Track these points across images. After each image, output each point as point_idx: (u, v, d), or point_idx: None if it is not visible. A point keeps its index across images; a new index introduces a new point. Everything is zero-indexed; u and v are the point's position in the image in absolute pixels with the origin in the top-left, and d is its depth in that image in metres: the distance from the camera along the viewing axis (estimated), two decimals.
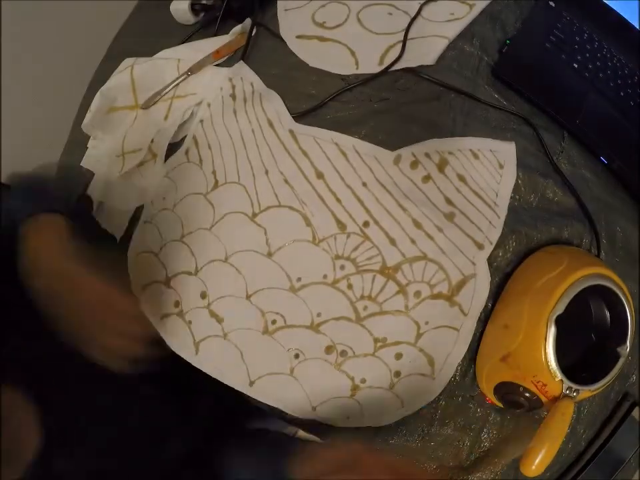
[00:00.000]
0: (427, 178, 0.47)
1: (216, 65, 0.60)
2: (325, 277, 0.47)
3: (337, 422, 0.46)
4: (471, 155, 0.47)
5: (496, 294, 0.46)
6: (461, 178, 0.47)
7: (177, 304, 0.50)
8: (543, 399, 0.39)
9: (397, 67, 0.51)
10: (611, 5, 0.61)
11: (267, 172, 0.51)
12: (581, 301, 0.39)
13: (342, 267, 0.47)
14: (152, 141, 0.57)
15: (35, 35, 0.83)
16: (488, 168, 0.47)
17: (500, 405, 0.43)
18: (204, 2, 0.64)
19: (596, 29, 0.60)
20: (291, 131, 0.52)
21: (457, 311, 0.45)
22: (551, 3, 0.59)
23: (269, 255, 0.48)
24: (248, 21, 0.61)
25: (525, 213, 0.47)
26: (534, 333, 0.39)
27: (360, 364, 0.46)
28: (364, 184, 0.48)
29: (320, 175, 0.49)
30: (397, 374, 0.45)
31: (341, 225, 0.47)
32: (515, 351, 0.40)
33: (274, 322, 0.48)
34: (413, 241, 0.46)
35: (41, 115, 0.88)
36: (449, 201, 0.46)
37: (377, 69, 0.51)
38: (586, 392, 0.38)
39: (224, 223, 0.51)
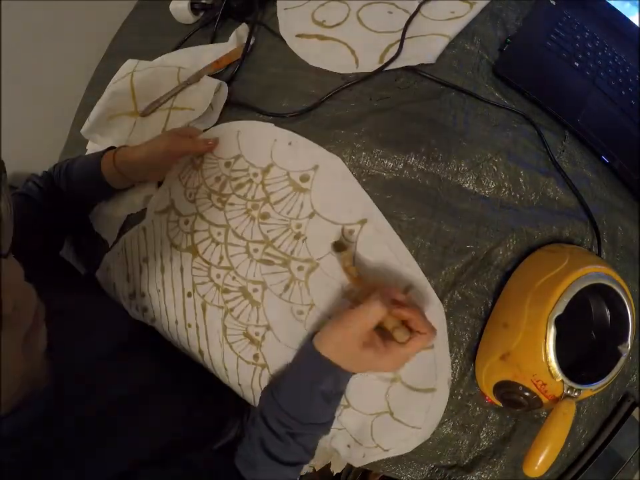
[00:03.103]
0: None
1: (213, 75, 0.60)
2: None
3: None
4: None
5: (496, 292, 0.46)
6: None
7: None
8: (543, 398, 0.39)
9: (398, 65, 0.51)
10: (612, 4, 0.61)
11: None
12: (581, 300, 0.39)
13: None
14: None
15: (34, 34, 0.83)
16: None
17: (499, 404, 0.42)
18: (203, 1, 0.64)
19: (597, 27, 0.60)
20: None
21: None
22: (552, 2, 0.59)
23: None
24: (246, 28, 0.61)
25: (526, 212, 0.47)
26: (534, 333, 0.38)
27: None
28: None
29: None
30: None
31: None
32: (514, 350, 0.40)
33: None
34: None
35: (41, 114, 0.88)
36: None
37: (377, 68, 0.51)
38: (587, 391, 0.38)
39: None
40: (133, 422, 0.40)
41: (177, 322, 0.52)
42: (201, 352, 0.51)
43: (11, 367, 0.27)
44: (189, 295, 0.51)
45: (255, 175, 0.51)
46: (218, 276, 0.50)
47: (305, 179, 0.49)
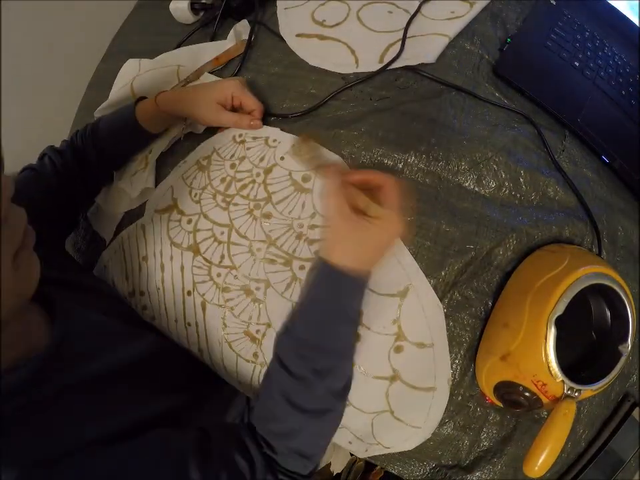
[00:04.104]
0: None
1: (213, 72, 0.60)
2: None
3: None
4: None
5: (496, 292, 0.46)
6: None
7: None
8: (543, 398, 0.38)
9: (398, 65, 0.51)
10: (612, 4, 0.61)
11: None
12: (581, 300, 0.39)
13: None
14: (150, 151, 0.58)
15: (35, 34, 0.83)
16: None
17: (500, 404, 0.42)
18: (203, 1, 0.64)
19: (597, 27, 0.60)
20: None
21: None
22: (552, 2, 0.59)
23: None
24: (245, 25, 0.61)
25: (526, 212, 0.47)
26: (534, 333, 0.38)
27: None
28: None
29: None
30: None
31: None
32: (515, 351, 0.39)
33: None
34: None
35: (41, 114, 0.88)
36: None
37: (377, 68, 0.51)
38: (587, 392, 0.38)
39: None
40: (132, 388, 0.40)
41: (176, 320, 0.52)
42: (200, 350, 0.51)
43: (2, 282, 0.28)
44: (189, 293, 0.51)
45: (258, 174, 0.51)
46: (218, 275, 0.50)
47: (306, 179, 0.49)
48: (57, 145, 0.62)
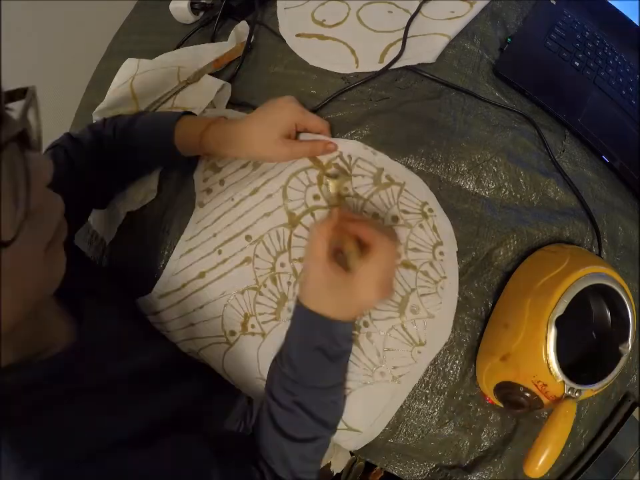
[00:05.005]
0: None
1: (213, 74, 0.60)
2: None
3: None
4: None
5: (497, 293, 0.46)
6: None
7: None
8: (544, 399, 0.38)
9: (398, 65, 0.51)
10: (612, 4, 0.61)
11: None
12: (582, 300, 0.39)
13: None
14: None
15: (34, 34, 0.83)
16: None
17: (500, 404, 0.42)
18: (203, 1, 0.64)
19: (597, 27, 0.60)
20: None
21: None
22: (552, 1, 0.59)
23: None
24: (246, 26, 0.61)
25: (527, 212, 0.47)
26: (534, 334, 0.38)
27: None
28: None
29: None
30: None
31: None
32: (515, 351, 0.39)
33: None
34: None
35: (41, 114, 0.88)
36: None
37: (377, 68, 0.51)
38: (588, 392, 0.38)
39: None
40: (149, 394, 0.40)
41: (215, 235, 0.50)
42: (201, 274, 0.50)
43: (31, 271, 0.27)
44: (248, 238, 0.49)
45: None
46: (282, 265, 0.48)
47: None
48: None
